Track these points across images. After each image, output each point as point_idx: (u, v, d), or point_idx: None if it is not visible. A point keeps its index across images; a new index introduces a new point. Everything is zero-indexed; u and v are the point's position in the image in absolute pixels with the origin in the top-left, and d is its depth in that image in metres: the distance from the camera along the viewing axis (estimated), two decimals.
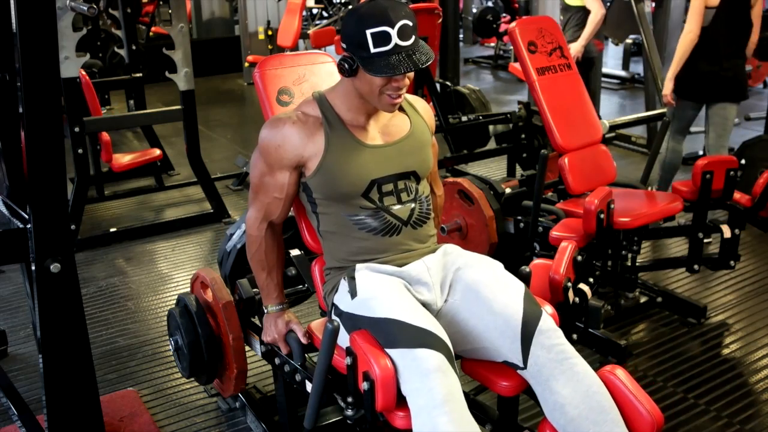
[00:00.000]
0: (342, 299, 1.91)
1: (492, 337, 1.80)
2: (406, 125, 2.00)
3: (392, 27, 1.76)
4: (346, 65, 1.83)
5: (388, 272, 1.90)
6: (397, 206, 1.93)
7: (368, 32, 1.76)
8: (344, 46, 1.84)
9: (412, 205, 1.95)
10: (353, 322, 1.83)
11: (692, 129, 5.22)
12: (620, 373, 1.73)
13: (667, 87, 4.05)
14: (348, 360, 1.76)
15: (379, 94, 1.84)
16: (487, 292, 1.83)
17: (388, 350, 1.71)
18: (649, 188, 3.43)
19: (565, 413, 1.70)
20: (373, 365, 1.68)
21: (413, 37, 1.79)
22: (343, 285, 1.92)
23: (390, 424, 1.74)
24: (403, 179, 1.95)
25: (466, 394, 2.07)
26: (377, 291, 1.82)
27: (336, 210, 1.94)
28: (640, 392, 1.71)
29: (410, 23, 1.78)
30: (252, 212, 2.04)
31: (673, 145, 4.27)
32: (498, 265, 1.94)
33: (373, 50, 1.77)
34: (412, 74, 1.86)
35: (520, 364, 1.76)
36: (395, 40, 1.76)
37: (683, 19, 8.56)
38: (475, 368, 1.89)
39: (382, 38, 1.76)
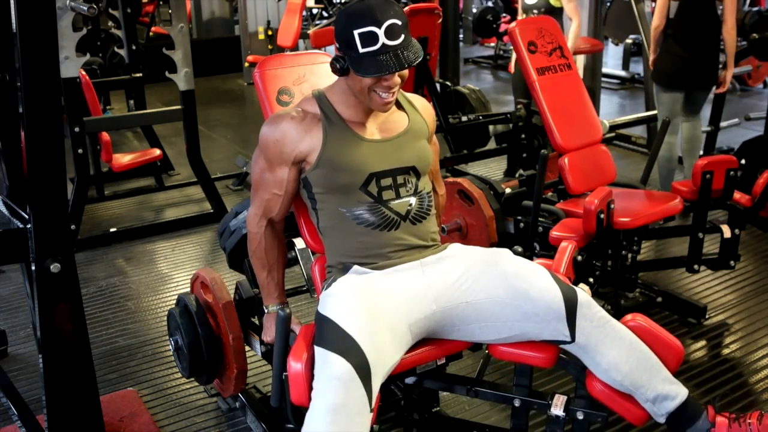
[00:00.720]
0: (323, 291, 1.97)
1: (532, 323, 1.87)
2: (404, 122, 2.02)
3: (379, 27, 1.77)
4: (338, 65, 1.86)
5: (375, 281, 1.91)
6: (396, 201, 1.94)
7: (356, 32, 1.78)
8: (336, 45, 1.87)
9: (411, 200, 1.96)
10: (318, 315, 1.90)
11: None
12: (641, 320, 1.94)
13: (731, 75, 4.27)
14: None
15: (370, 92, 1.86)
16: (519, 282, 1.88)
17: (315, 347, 1.77)
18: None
19: (620, 370, 1.84)
20: (289, 357, 1.78)
21: (402, 36, 1.80)
22: (332, 278, 1.96)
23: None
24: (402, 174, 1.96)
25: (475, 379, 2.13)
26: (341, 291, 1.87)
27: (335, 205, 1.95)
28: (661, 330, 1.94)
29: (399, 22, 1.79)
30: (252, 209, 2.06)
31: (665, 138, 4.33)
32: (508, 253, 1.99)
33: (361, 50, 1.79)
34: (405, 72, 1.87)
35: (568, 339, 1.85)
36: (383, 39, 1.77)
37: None
38: (505, 350, 1.96)
39: (370, 38, 1.78)
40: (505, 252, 1.99)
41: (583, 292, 1.89)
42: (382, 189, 1.93)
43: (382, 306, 1.84)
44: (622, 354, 1.84)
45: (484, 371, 2.25)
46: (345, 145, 1.92)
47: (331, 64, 1.87)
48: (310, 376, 1.76)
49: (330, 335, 1.74)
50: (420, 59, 1.82)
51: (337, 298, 1.85)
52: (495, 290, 1.90)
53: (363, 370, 1.68)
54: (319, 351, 1.74)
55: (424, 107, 2.10)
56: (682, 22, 4.14)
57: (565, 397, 1.96)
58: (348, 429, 1.65)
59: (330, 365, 1.69)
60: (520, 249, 2.08)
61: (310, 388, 1.74)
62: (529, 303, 1.86)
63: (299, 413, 1.84)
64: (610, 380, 1.86)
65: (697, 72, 4.20)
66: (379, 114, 1.98)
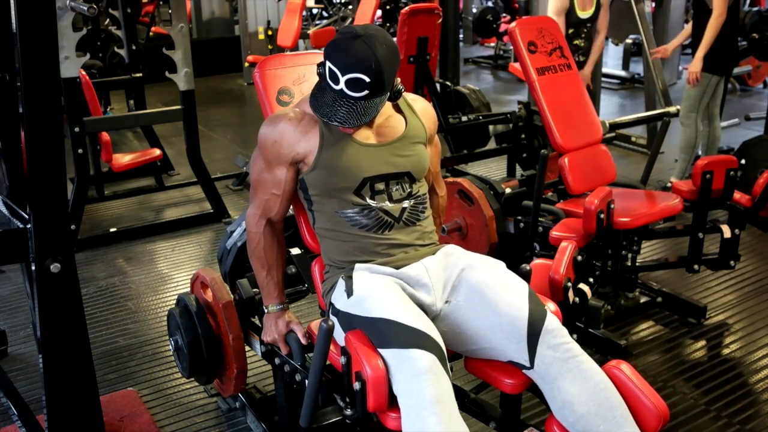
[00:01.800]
0: (339, 298, 1.91)
1: (497, 338, 1.80)
2: (400, 126, 2.01)
3: (343, 74, 1.79)
4: (319, 69, 1.90)
5: (386, 273, 1.91)
6: (389, 204, 1.94)
7: (327, 63, 1.83)
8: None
9: (405, 204, 1.96)
10: (349, 322, 1.83)
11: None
12: (625, 368, 1.75)
13: (697, 66, 4.48)
14: (342, 359, 1.77)
15: None
16: (492, 293, 1.83)
17: (381, 350, 1.71)
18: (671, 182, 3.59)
19: (574, 411, 1.70)
20: (364, 365, 1.69)
21: (365, 92, 1.81)
22: (341, 284, 1.92)
23: (383, 425, 1.74)
24: (395, 179, 1.96)
25: (467, 394, 2.08)
26: (372, 291, 1.83)
27: (329, 207, 1.96)
28: (645, 386, 1.72)
29: (366, 78, 1.79)
30: (251, 209, 2.06)
31: (700, 125, 4.71)
32: (501, 265, 1.94)
33: (327, 79, 1.84)
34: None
35: (527, 364, 1.76)
36: (342, 86, 1.81)
37: (684, 18, 8.60)
38: (478, 367, 1.89)
39: (333, 78, 1.83)
40: (497, 263, 1.95)
41: (555, 319, 1.79)
42: (376, 193, 1.93)
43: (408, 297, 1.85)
44: (581, 394, 1.70)
45: (486, 386, 2.20)
46: (340, 149, 1.92)
47: (318, 64, 1.91)
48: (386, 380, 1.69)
49: (396, 335, 1.69)
50: (368, 119, 1.84)
51: (375, 298, 1.80)
52: (471, 296, 1.87)
53: (441, 356, 1.68)
54: (390, 353, 1.69)
55: (423, 110, 2.09)
56: (732, 9, 4.43)
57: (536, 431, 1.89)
58: (452, 415, 1.63)
59: (414, 361, 1.65)
60: (528, 268, 2.00)
61: (390, 393, 1.69)
62: (495, 316, 1.80)
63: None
64: (563, 419, 1.74)
65: (735, 57, 4.73)
66: (375, 117, 1.97)
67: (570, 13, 4.39)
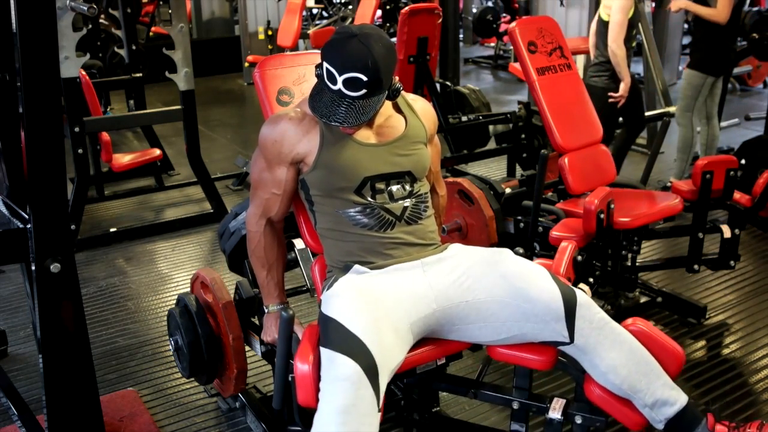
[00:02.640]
0: (324, 292, 1.96)
1: (532, 323, 1.86)
2: (401, 126, 2.02)
3: (340, 74, 1.80)
4: (317, 70, 1.90)
5: (377, 275, 1.91)
6: (390, 204, 1.95)
7: (324, 64, 1.84)
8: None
9: (406, 203, 1.97)
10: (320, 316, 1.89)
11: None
12: (641, 324, 1.92)
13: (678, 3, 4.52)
14: (294, 349, 1.86)
15: None
16: (519, 282, 1.88)
17: (321, 348, 1.77)
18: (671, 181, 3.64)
19: (618, 373, 1.82)
20: (296, 359, 1.77)
21: (362, 91, 1.82)
22: (332, 278, 1.96)
23: None
24: (396, 178, 1.97)
25: (475, 381, 2.13)
26: (343, 291, 1.86)
27: (330, 207, 1.96)
28: (662, 336, 1.92)
29: (363, 78, 1.80)
30: (252, 209, 2.07)
31: (696, 124, 4.70)
32: (509, 253, 1.99)
33: (325, 79, 1.85)
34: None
35: (567, 341, 1.84)
36: (339, 85, 1.82)
37: (684, 19, 8.59)
38: (504, 351, 1.95)
39: (331, 78, 1.84)
40: (506, 252, 1.99)
41: (582, 293, 1.88)
42: (376, 192, 1.94)
43: (385, 305, 1.84)
44: (620, 357, 1.82)
45: (485, 373, 2.24)
46: (341, 149, 1.93)
47: (316, 66, 1.91)
48: (317, 377, 1.75)
49: (336, 336, 1.74)
50: (367, 118, 1.84)
51: (340, 298, 1.84)
52: (495, 290, 1.90)
53: (371, 370, 1.68)
54: (325, 352, 1.74)
55: (423, 110, 2.09)
56: (734, 12, 4.41)
57: (564, 401, 1.96)
58: (358, 429, 1.64)
59: (338, 366, 1.68)
60: (521, 250, 2.07)
61: (317, 390, 1.74)
62: (528, 303, 1.85)
63: (305, 415, 1.84)
64: (608, 383, 1.84)
65: (733, 59, 4.71)
66: (376, 117, 1.98)
67: (635, 10, 4.09)
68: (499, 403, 2.14)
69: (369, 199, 1.93)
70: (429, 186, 2.09)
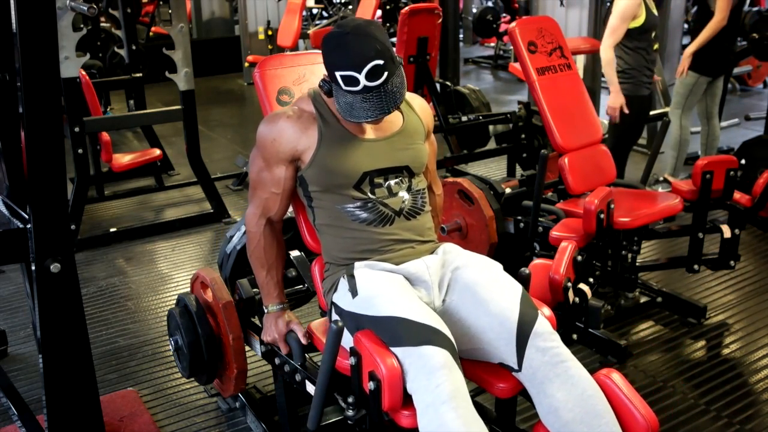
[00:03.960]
0: (342, 298, 1.91)
1: (488, 338, 1.79)
2: (398, 121, 2.02)
3: (359, 71, 1.78)
4: (324, 87, 1.89)
5: (386, 269, 1.91)
6: (389, 198, 1.95)
7: (338, 74, 1.80)
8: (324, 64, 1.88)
9: (405, 197, 1.97)
10: (356, 322, 1.82)
11: (692, 129, 5.24)
12: (616, 377, 1.72)
13: (685, 62, 4.49)
14: (352, 360, 1.75)
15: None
16: (484, 293, 1.83)
17: (393, 348, 1.70)
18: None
19: (560, 417, 1.69)
20: (379, 365, 1.67)
21: (384, 75, 1.80)
22: (343, 284, 1.92)
23: (396, 424, 1.74)
24: (395, 173, 1.97)
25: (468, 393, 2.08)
26: (378, 289, 1.82)
27: (330, 202, 1.96)
28: (635, 397, 1.70)
29: (380, 62, 1.78)
30: (251, 209, 2.07)
31: (687, 123, 4.64)
32: (497, 266, 1.94)
33: (344, 87, 1.82)
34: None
35: (515, 366, 1.76)
36: (363, 82, 1.79)
37: (684, 19, 8.60)
38: (472, 369, 1.88)
39: (351, 81, 1.80)
40: (490, 263, 1.94)
41: (546, 322, 1.78)
42: (375, 187, 1.94)
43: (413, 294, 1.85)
44: (568, 400, 1.68)
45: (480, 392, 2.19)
46: (339, 144, 1.93)
47: (320, 85, 1.91)
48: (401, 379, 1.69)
49: (408, 332, 1.69)
50: (400, 101, 1.83)
51: (381, 296, 1.80)
52: (464, 295, 1.87)
53: (454, 352, 1.68)
54: (403, 350, 1.68)
55: (421, 107, 2.11)
56: (733, 15, 4.41)
57: None
58: (468, 409, 1.63)
59: (427, 358, 1.64)
60: (527, 272, 1.99)
61: (405, 392, 1.68)
62: (486, 316, 1.80)
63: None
64: (548, 425, 1.72)
65: (726, 62, 4.68)
66: None
67: (648, 15, 3.81)
68: None
69: (368, 194, 1.93)
70: (426, 183, 2.09)
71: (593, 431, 1.66)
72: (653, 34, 3.89)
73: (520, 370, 1.75)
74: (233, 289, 2.49)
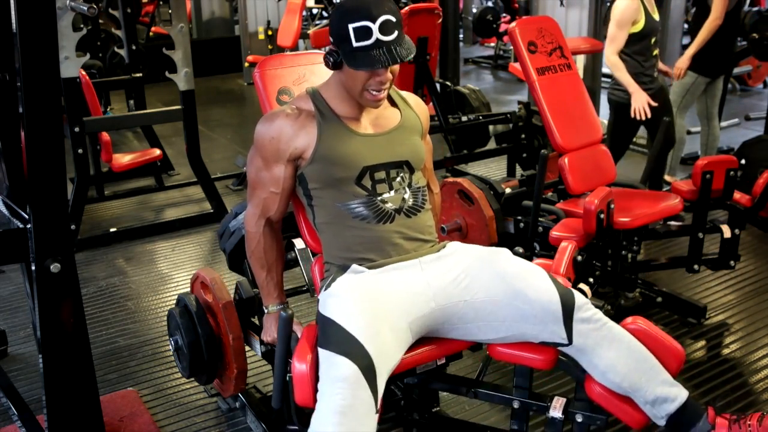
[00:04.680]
0: (322, 291, 1.97)
1: (530, 324, 1.86)
2: (396, 117, 2.04)
3: (374, 22, 1.79)
4: (331, 58, 1.88)
5: (378, 279, 1.91)
6: (389, 194, 1.95)
7: (350, 26, 1.81)
8: (331, 39, 1.88)
9: (405, 193, 1.98)
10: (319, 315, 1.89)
11: (692, 129, 5.25)
12: (641, 322, 1.92)
13: (684, 63, 4.44)
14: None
15: (362, 90, 1.88)
16: (517, 283, 1.88)
17: (319, 349, 1.77)
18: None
19: (618, 372, 1.83)
20: (294, 359, 1.78)
21: (396, 32, 1.82)
22: (330, 278, 1.96)
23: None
24: (395, 168, 1.98)
25: (475, 380, 2.13)
26: (341, 292, 1.87)
27: (330, 200, 1.97)
28: (662, 334, 1.92)
29: (393, 18, 1.81)
30: (250, 209, 2.07)
31: (682, 123, 4.63)
32: (508, 253, 1.99)
33: (355, 44, 1.81)
34: (396, 68, 1.89)
35: (565, 342, 1.84)
36: (376, 34, 1.80)
37: (684, 19, 8.60)
38: (504, 351, 1.96)
39: (364, 33, 1.80)
40: (504, 251, 1.99)
41: (580, 294, 1.89)
42: (376, 182, 1.95)
43: (383, 305, 1.85)
44: (619, 356, 1.83)
45: (485, 372, 2.25)
46: (339, 140, 1.94)
47: (325, 58, 1.90)
48: (315, 377, 1.76)
49: (334, 337, 1.74)
50: (412, 55, 1.84)
51: (339, 298, 1.84)
52: (493, 289, 1.90)
53: (369, 371, 1.69)
54: (323, 353, 1.74)
55: (417, 104, 2.12)
56: (732, 15, 4.42)
57: (564, 400, 1.96)
58: (355, 429, 1.64)
59: (336, 367, 1.69)
60: (521, 250, 2.08)
61: (315, 390, 1.74)
62: (526, 304, 1.86)
63: (303, 414, 1.84)
64: (608, 382, 1.85)
65: (726, 62, 4.68)
66: (371, 109, 2.00)
67: (648, 21, 3.76)
68: (499, 402, 2.14)
69: (369, 189, 1.94)
70: (425, 181, 2.10)
71: (646, 374, 1.84)
72: (653, 40, 3.83)
73: (570, 343, 1.84)
74: (232, 263, 2.50)
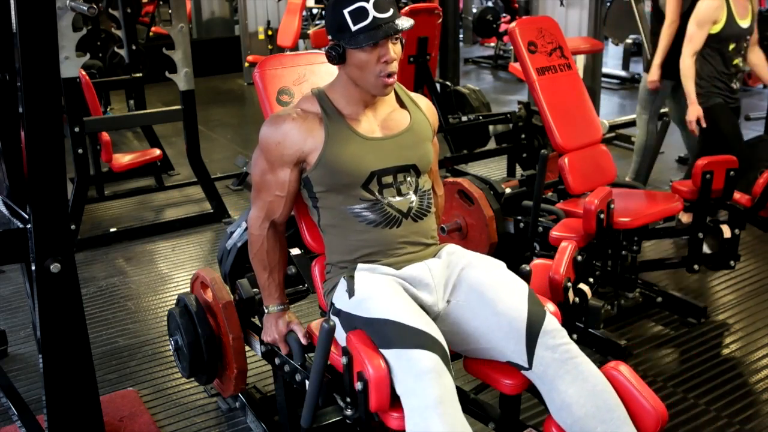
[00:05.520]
0: (340, 298, 1.91)
1: (496, 338, 1.80)
2: (405, 120, 2.01)
3: (367, 1, 1.80)
4: (333, 52, 1.87)
5: (387, 273, 1.90)
6: (397, 198, 1.93)
7: (345, 12, 1.81)
8: (329, 37, 1.88)
9: (413, 198, 1.96)
10: (350, 322, 1.83)
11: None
12: (624, 369, 1.74)
13: (655, 74, 4.22)
14: (344, 359, 1.76)
15: (369, 73, 1.86)
16: (492, 293, 1.83)
17: (383, 350, 1.71)
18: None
19: (572, 413, 1.69)
20: (366, 365, 1.68)
21: (391, 10, 1.83)
22: (342, 284, 1.92)
23: (385, 425, 1.74)
24: (402, 172, 1.96)
25: (467, 394, 2.08)
26: (374, 291, 1.83)
27: (336, 203, 1.95)
28: (644, 388, 1.72)
29: None
30: (254, 211, 2.05)
31: (652, 128, 4.52)
32: (501, 265, 1.94)
33: (354, 28, 1.81)
34: (399, 50, 1.88)
35: (525, 365, 1.76)
36: (373, 13, 1.80)
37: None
38: (477, 367, 1.89)
39: (360, 14, 1.80)
40: (495, 263, 1.95)
41: (554, 320, 1.79)
42: (383, 187, 1.93)
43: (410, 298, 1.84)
44: (580, 395, 1.69)
45: (484, 388, 2.19)
46: (346, 144, 1.91)
47: (327, 54, 1.89)
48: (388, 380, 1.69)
49: (398, 335, 1.69)
50: (411, 26, 1.84)
51: (376, 299, 1.80)
52: (470, 295, 1.87)
53: (444, 356, 1.68)
54: (393, 352, 1.68)
55: (428, 107, 2.10)
56: (689, 16, 4.17)
57: None
58: (455, 416, 1.63)
59: (416, 362, 1.64)
60: (528, 269, 2.00)
61: (392, 393, 1.69)
62: (494, 316, 1.80)
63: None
64: (561, 421, 1.72)
65: None
66: (380, 111, 1.98)
67: (729, 24, 3.60)
68: (479, 420, 2.05)
69: (376, 194, 1.92)
70: (431, 183, 2.09)
71: (605, 425, 1.67)
72: (731, 46, 3.63)
73: (530, 368, 1.75)
74: (233, 287, 2.49)
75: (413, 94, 2.10)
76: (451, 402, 1.64)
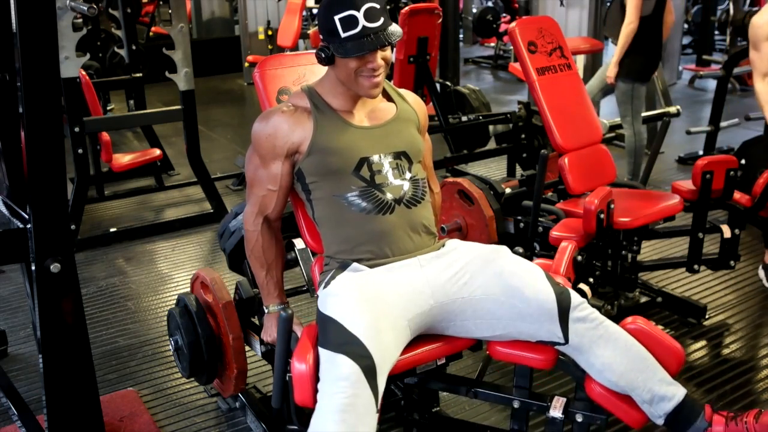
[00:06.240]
0: (321, 289, 1.97)
1: (527, 323, 1.87)
2: (392, 110, 2.07)
3: (358, 10, 1.83)
4: (323, 54, 1.91)
5: (378, 276, 1.91)
6: (390, 183, 1.97)
7: (336, 18, 1.84)
8: (321, 36, 1.91)
9: (405, 184, 1.98)
10: (319, 314, 1.89)
11: (692, 129, 5.24)
12: (641, 322, 1.93)
13: (612, 71, 4.44)
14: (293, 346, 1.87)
15: (356, 77, 1.90)
16: (514, 281, 1.89)
17: (320, 348, 1.77)
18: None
19: (614, 371, 1.84)
20: (293, 359, 1.78)
21: (381, 19, 1.85)
22: (328, 275, 1.96)
23: None
24: (394, 159, 1.99)
25: (475, 380, 2.13)
26: (341, 290, 1.86)
27: (329, 192, 1.97)
28: (661, 333, 1.93)
29: (377, 5, 1.85)
30: (248, 207, 2.08)
31: (639, 128, 4.58)
32: (507, 251, 2.00)
33: (343, 35, 1.84)
34: (388, 55, 1.92)
35: (562, 341, 1.86)
36: (362, 22, 1.83)
37: (684, 19, 8.61)
38: (504, 351, 1.97)
39: (350, 22, 1.83)
40: (504, 250, 2.00)
41: (576, 293, 1.90)
42: (375, 173, 1.96)
43: (383, 303, 1.85)
44: (616, 354, 1.84)
45: (485, 372, 2.24)
46: (335, 131, 1.96)
47: (317, 54, 1.93)
48: (315, 377, 1.76)
49: (335, 336, 1.74)
50: (399, 38, 1.87)
51: (339, 297, 1.84)
52: (491, 287, 1.91)
53: (369, 370, 1.69)
54: (324, 353, 1.74)
55: (415, 101, 2.15)
56: (654, 19, 4.41)
57: (564, 399, 1.96)
58: (356, 428, 1.64)
59: (337, 366, 1.69)
60: (520, 249, 2.09)
61: (315, 390, 1.74)
62: (522, 302, 1.87)
63: (303, 414, 1.84)
64: (605, 381, 1.87)
65: (656, 64, 4.63)
66: (367, 102, 2.03)
67: None
68: (499, 402, 2.14)
69: (368, 179, 1.95)
70: (425, 174, 2.11)
71: (643, 373, 1.85)
72: None
73: (567, 342, 1.85)
74: (232, 263, 2.50)
75: (401, 90, 2.15)
76: (357, 415, 1.65)
